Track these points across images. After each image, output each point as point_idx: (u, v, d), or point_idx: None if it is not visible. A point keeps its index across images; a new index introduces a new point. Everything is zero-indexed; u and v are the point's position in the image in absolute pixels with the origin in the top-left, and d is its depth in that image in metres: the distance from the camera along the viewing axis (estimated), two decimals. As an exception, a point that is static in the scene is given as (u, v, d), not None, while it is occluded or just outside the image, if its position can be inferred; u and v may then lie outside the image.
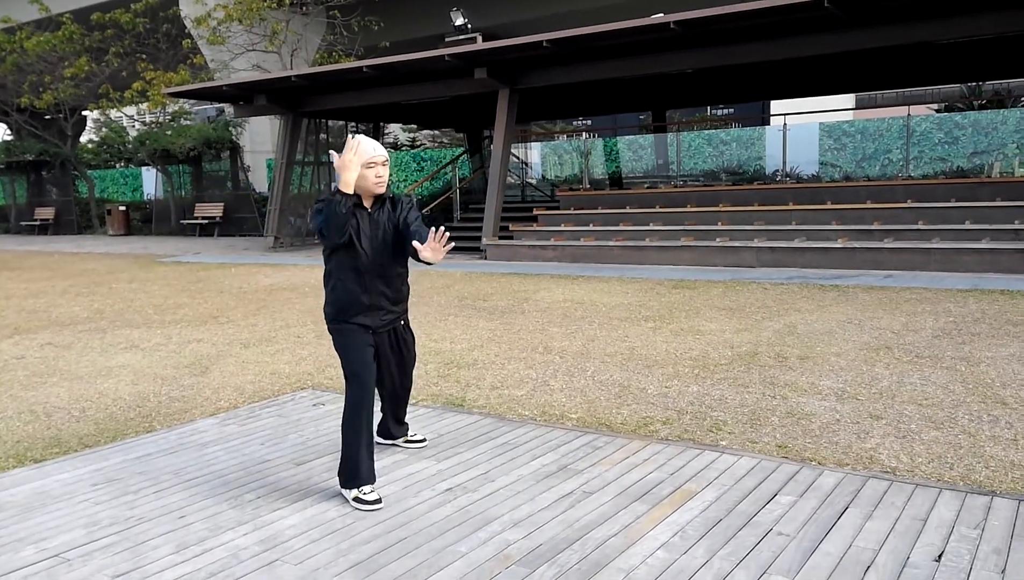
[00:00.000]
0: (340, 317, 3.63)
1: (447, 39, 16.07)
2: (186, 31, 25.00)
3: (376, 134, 20.83)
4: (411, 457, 4.11)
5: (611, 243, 13.30)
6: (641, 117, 26.05)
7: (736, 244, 12.33)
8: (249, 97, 17.44)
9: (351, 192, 3.42)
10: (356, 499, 3.49)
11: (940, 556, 2.89)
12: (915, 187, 13.12)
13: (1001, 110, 18.64)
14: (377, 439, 4.14)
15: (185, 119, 27.57)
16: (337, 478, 3.64)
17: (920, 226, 11.51)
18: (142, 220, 26.97)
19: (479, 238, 14.99)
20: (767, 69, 14.72)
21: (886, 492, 3.49)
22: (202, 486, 3.78)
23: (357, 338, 3.62)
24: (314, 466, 4.02)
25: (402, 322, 3.84)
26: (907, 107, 17.19)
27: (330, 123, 20.19)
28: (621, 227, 14.00)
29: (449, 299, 9.77)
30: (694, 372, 5.76)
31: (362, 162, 3.45)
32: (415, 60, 14.02)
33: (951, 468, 3.79)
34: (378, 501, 3.48)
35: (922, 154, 17.75)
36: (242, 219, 24.19)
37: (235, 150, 24.94)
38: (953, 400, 4.85)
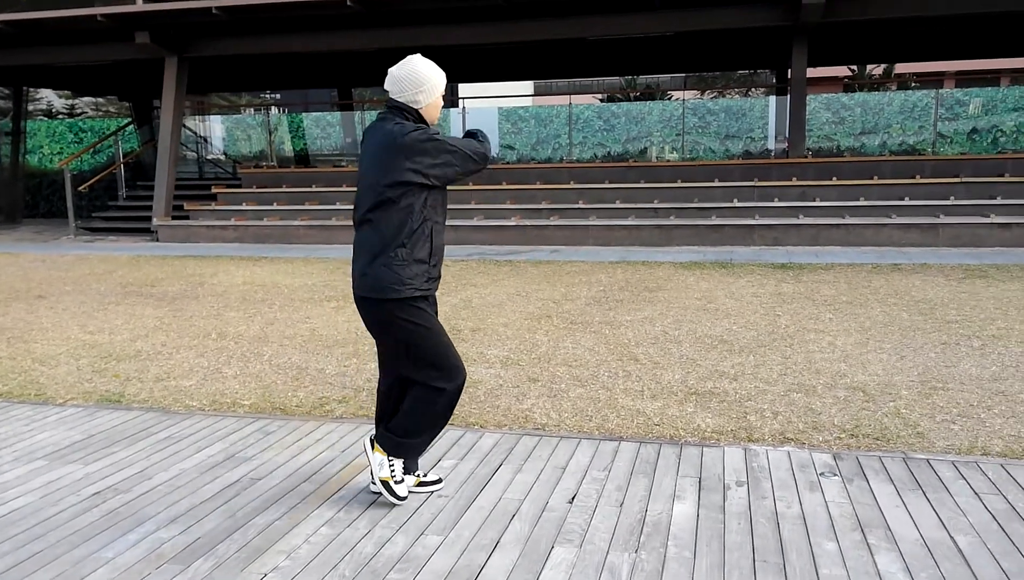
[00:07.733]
0: (427, 277, 3.00)
1: (102, -4, 14.42)
2: None
3: (19, 99, 18.15)
4: (52, 463, 3.71)
5: (297, 223, 13.00)
6: (333, 94, 25.61)
7: (421, 222, 12.69)
8: None
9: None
10: (389, 483, 3.20)
11: (573, 498, 3.28)
12: (577, 170, 14.50)
13: (649, 102, 21.22)
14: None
15: None
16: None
17: (580, 205, 12.77)
18: None
19: (150, 218, 13.81)
20: (454, 53, 15.26)
21: (535, 447, 3.87)
22: None
23: (434, 318, 3.09)
24: (-74, 486, 3.46)
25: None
26: (572, 96, 18.88)
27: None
28: (307, 206, 13.74)
29: (110, 286, 8.89)
30: (373, 351, 5.86)
31: (441, 92, 3.19)
32: (61, 18, 12.45)
33: (590, 420, 4.29)
34: (404, 498, 3.25)
35: (585, 140, 19.63)
36: None
37: None
38: (597, 360, 5.48)
